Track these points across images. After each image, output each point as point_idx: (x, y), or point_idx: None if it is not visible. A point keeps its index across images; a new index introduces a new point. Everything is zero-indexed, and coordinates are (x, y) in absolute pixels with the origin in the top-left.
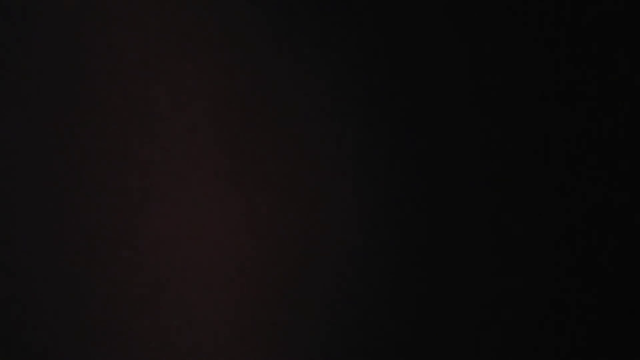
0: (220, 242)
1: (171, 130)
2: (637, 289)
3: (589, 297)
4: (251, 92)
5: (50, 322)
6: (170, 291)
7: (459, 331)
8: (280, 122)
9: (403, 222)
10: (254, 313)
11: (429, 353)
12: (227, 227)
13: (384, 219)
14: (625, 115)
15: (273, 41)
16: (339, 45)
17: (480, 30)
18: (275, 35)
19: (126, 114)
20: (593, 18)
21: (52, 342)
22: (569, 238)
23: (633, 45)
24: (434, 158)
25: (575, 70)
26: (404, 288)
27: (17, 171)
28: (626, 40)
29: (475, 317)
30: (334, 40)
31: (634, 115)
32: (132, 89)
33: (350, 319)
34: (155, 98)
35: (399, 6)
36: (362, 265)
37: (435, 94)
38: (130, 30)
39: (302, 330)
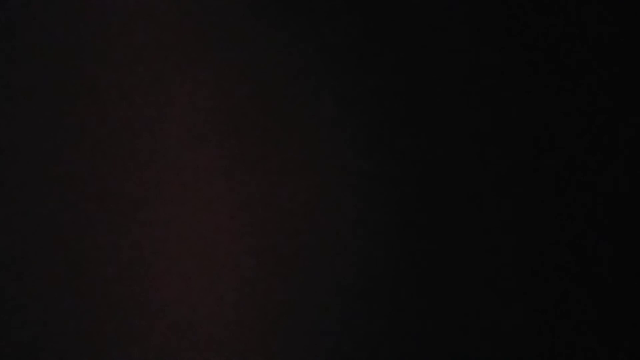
0: (220, 242)
1: (171, 131)
2: (637, 289)
3: (589, 297)
4: (252, 92)
5: (50, 322)
6: (169, 291)
7: (460, 333)
8: (280, 124)
9: (404, 222)
10: (253, 313)
11: (430, 354)
12: (227, 228)
13: (385, 219)
14: (625, 116)
15: (273, 42)
16: (339, 45)
17: (480, 30)
18: (274, 37)
19: (126, 115)
20: (593, 18)
21: (51, 342)
22: (569, 238)
23: (633, 45)
24: (436, 158)
25: (575, 70)
26: (405, 289)
27: (19, 173)
28: (626, 40)
29: (476, 318)
30: (334, 40)
31: (634, 115)
32: (133, 90)
33: (351, 319)
34: (157, 99)
35: (400, 8)
36: (363, 265)
37: (437, 94)
38: (132, 33)
39: (301, 330)
